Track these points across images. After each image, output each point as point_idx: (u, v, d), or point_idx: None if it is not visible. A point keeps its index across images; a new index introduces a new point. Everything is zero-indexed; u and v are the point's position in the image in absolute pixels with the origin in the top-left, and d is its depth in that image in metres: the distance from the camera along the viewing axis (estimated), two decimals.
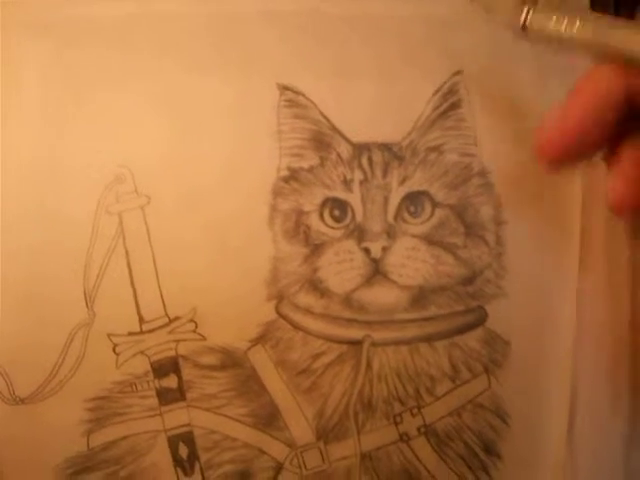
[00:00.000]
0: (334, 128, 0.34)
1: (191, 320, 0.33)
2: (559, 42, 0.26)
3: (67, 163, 0.33)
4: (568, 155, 0.26)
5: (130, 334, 0.33)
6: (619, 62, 0.25)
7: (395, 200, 0.33)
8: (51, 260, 0.33)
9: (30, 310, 0.33)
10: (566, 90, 0.27)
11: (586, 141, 0.25)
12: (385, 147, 0.34)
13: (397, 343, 0.33)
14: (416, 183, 0.33)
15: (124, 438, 0.33)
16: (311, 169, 0.34)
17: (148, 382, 0.33)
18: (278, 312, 0.33)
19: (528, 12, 0.26)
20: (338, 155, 0.34)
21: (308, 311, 0.33)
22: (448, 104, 0.34)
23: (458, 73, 0.34)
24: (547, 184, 0.34)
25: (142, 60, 0.33)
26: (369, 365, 0.33)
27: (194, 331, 0.33)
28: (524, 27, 0.26)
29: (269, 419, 0.33)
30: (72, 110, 0.33)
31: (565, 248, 0.34)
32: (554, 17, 0.26)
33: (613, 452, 0.33)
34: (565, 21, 0.25)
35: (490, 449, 0.33)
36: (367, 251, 0.33)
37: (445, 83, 0.34)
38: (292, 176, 0.33)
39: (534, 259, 0.34)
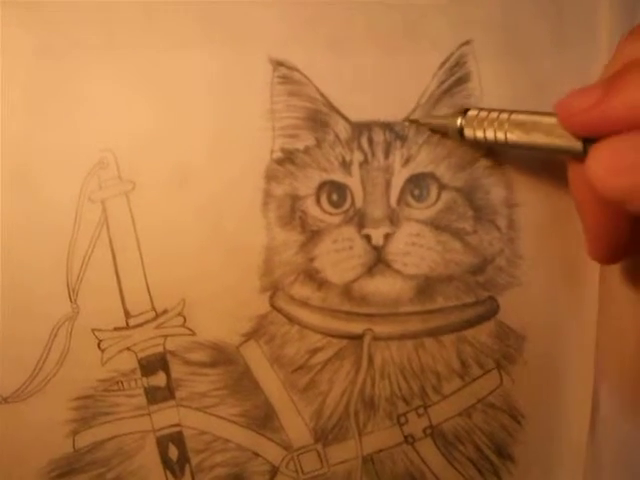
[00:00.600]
0: (331, 106, 0.31)
1: (179, 314, 0.31)
2: (496, 144, 0.28)
3: (48, 148, 0.31)
4: None
5: (116, 329, 0.31)
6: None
7: (398, 183, 0.31)
8: (32, 252, 0.31)
9: (11, 304, 0.31)
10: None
11: None
12: (387, 126, 0.31)
13: (401, 338, 0.31)
14: (421, 164, 0.31)
15: (111, 439, 0.31)
16: (307, 150, 0.31)
17: (135, 380, 0.31)
18: (272, 305, 0.31)
19: (462, 123, 0.29)
20: (336, 135, 0.31)
21: (305, 303, 0.31)
22: (455, 78, 0.31)
23: (467, 43, 0.31)
24: (562, 163, 0.31)
25: (126, 39, 0.31)
26: (371, 361, 0.31)
27: (183, 325, 0.31)
28: (462, 135, 0.30)
29: (263, 419, 0.31)
30: (53, 93, 0.31)
31: None
32: (484, 126, 0.28)
33: (638, 456, 0.30)
34: (494, 128, 0.28)
35: (502, 452, 0.31)
36: (368, 238, 0.30)
37: (452, 55, 0.31)
38: (287, 158, 0.31)
39: (551, 244, 0.31)
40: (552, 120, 0.26)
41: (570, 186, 0.27)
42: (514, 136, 0.27)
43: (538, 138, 0.27)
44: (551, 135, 0.26)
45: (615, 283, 0.30)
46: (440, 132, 0.31)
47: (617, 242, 0.27)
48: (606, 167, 0.22)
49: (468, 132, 0.29)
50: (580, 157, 0.25)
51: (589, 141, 0.24)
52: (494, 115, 0.28)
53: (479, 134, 0.29)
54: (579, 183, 0.27)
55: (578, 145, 0.25)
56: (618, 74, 0.23)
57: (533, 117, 0.27)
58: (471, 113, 0.29)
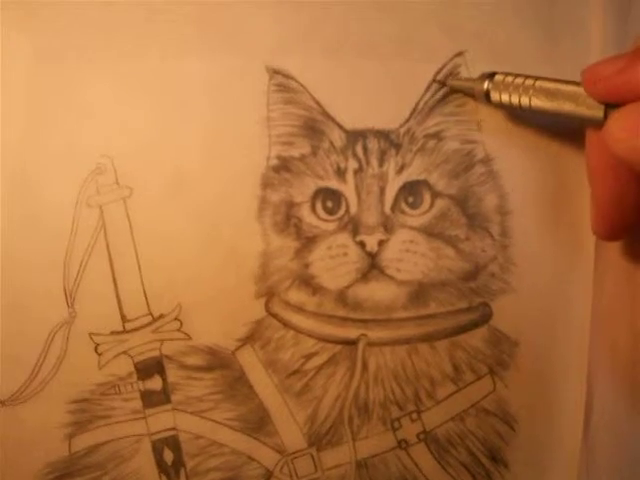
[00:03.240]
0: (327, 114, 0.32)
1: (176, 318, 0.31)
2: (520, 108, 0.29)
3: (46, 153, 0.32)
4: None
5: (112, 333, 0.31)
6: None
7: (392, 190, 0.31)
8: (30, 256, 0.31)
9: (8, 308, 0.31)
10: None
11: None
12: (381, 134, 0.32)
13: (395, 343, 0.31)
14: (414, 172, 0.31)
15: (107, 442, 0.31)
16: (302, 158, 0.32)
17: (132, 384, 0.31)
18: (268, 310, 0.31)
19: (488, 86, 0.30)
20: (331, 143, 0.32)
21: (300, 309, 0.31)
22: (449, 88, 0.32)
23: (460, 54, 0.32)
24: (556, 170, 0.31)
25: (125, 46, 0.32)
26: (365, 366, 0.31)
27: (179, 330, 0.31)
28: (488, 98, 0.30)
29: (258, 424, 0.31)
30: (52, 98, 0.32)
31: (578, 240, 0.31)
32: (510, 90, 0.29)
33: (631, 459, 0.30)
34: (519, 93, 0.29)
35: (496, 457, 0.31)
36: (362, 245, 0.31)
37: (445, 65, 0.32)
38: (282, 165, 0.32)
39: (544, 251, 0.31)
40: (575, 88, 0.27)
41: (586, 155, 0.28)
42: (538, 101, 0.28)
43: (561, 104, 0.28)
44: (574, 102, 0.27)
45: (610, 269, 0.31)
46: (467, 95, 0.31)
47: (623, 214, 0.27)
48: (623, 128, 0.24)
49: (494, 95, 0.30)
50: (600, 124, 0.26)
51: (610, 107, 0.26)
52: (520, 80, 0.29)
53: (505, 98, 0.29)
54: (595, 151, 0.28)
55: (600, 112, 0.26)
56: None
57: (557, 84, 0.28)
58: (498, 77, 0.30)
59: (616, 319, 0.31)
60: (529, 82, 0.29)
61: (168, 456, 0.31)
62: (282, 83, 0.32)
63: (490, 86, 0.30)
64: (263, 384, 0.31)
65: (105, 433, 0.31)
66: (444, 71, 0.32)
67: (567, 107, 0.28)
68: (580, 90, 0.27)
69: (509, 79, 0.29)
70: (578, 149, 0.31)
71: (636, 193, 0.27)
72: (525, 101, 0.29)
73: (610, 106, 0.26)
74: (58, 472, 0.31)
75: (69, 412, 0.31)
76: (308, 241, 0.31)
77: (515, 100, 0.29)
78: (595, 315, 0.31)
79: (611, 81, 0.25)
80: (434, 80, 0.32)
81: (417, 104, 0.32)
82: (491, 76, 0.30)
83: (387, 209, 0.31)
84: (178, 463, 0.31)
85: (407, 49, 0.32)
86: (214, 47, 0.32)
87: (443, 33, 0.32)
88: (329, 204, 0.31)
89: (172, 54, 0.32)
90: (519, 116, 0.31)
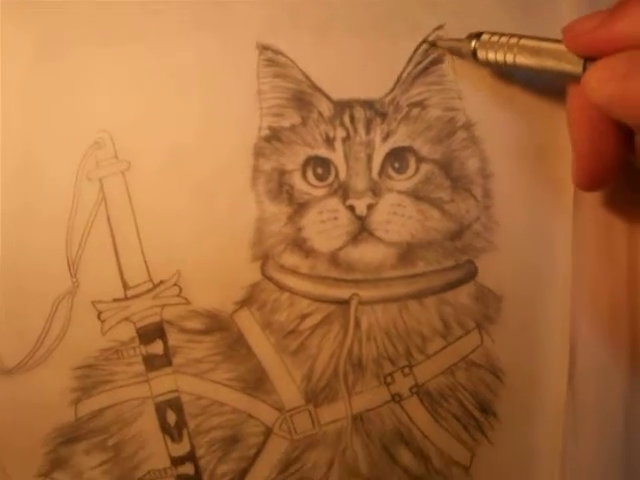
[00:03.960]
0: (315, 86, 0.33)
1: (175, 284, 0.32)
2: (505, 65, 0.31)
3: (46, 130, 0.33)
4: None
5: (115, 300, 0.32)
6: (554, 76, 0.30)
7: (379, 157, 0.33)
8: (33, 229, 0.33)
9: (13, 280, 0.33)
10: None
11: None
12: (367, 104, 0.33)
13: (386, 301, 0.32)
14: (400, 139, 0.33)
15: (111, 406, 0.32)
16: (293, 128, 0.33)
17: (134, 348, 0.32)
18: (263, 273, 0.33)
19: (475, 45, 0.32)
20: (319, 113, 0.33)
21: (294, 271, 0.33)
22: (430, 60, 0.33)
23: (440, 28, 0.34)
24: (533, 135, 0.33)
25: (120, 22, 0.33)
26: (357, 325, 0.32)
27: (178, 295, 0.32)
28: (475, 56, 0.32)
29: (257, 383, 0.32)
30: (51, 74, 0.33)
31: (557, 199, 0.33)
32: (495, 49, 0.31)
33: (614, 406, 0.32)
34: (504, 51, 0.31)
35: (485, 408, 0.32)
36: (352, 209, 0.32)
37: (428, 37, 0.33)
38: (274, 136, 0.33)
39: (525, 210, 0.33)
40: (556, 45, 0.29)
41: (567, 109, 0.30)
42: (522, 58, 0.30)
43: (543, 60, 0.30)
44: (555, 58, 0.29)
45: (589, 221, 0.32)
46: (455, 54, 0.33)
47: (603, 165, 0.29)
48: (599, 77, 0.26)
49: (481, 54, 0.32)
50: (579, 79, 0.28)
51: (589, 61, 0.28)
52: (505, 39, 0.31)
53: (490, 56, 0.31)
54: (575, 105, 0.29)
55: (579, 66, 0.28)
56: (621, 4, 0.27)
57: (540, 42, 0.30)
58: (484, 37, 0.31)
59: (596, 270, 0.32)
60: (513, 40, 0.30)
61: (171, 417, 0.32)
62: (271, 58, 0.33)
63: (477, 45, 0.31)
64: (261, 345, 0.32)
65: (109, 397, 0.32)
66: (425, 44, 0.33)
67: (549, 63, 0.29)
68: (561, 47, 0.29)
69: (495, 38, 0.31)
70: (554, 112, 0.33)
71: (614, 144, 0.28)
72: (510, 58, 0.30)
73: (589, 60, 0.28)
74: (65, 436, 0.32)
75: (74, 378, 0.32)
76: (300, 207, 0.33)
77: (500, 58, 0.31)
78: (576, 267, 0.32)
79: (590, 36, 0.27)
80: (424, 40, 0.33)
81: (401, 75, 0.33)
82: (478, 36, 0.32)
83: (375, 174, 0.33)
84: (181, 423, 0.32)
85: (390, 25, 0.34)
86: (207, 26, 0.33)
87: (424, 10, 0.34)
88: (319, 171, 0.33)
89: (167, 34, 0.33)
90: (503, 75, 0.33)
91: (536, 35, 0.30)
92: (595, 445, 0.32)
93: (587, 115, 0.28)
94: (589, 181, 0.30)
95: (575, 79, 0.29)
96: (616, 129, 0.28)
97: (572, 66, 0.29)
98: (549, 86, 0.32)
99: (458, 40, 0.33)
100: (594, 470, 0.32)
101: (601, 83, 0.26)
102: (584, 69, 0.28)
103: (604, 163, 0.29)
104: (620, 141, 0.28)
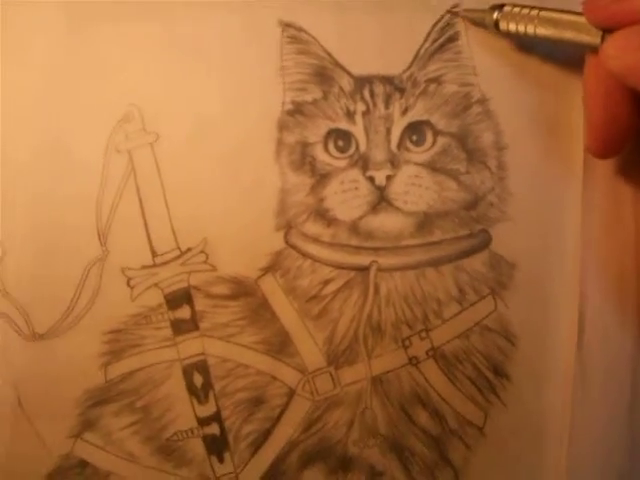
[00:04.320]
0: (336, 62, 0.35)
1: (202, 251, 0.34)
2: (525, 36, 0.33)
3: (76, 103, 0.34)
4: None
5: (143, 267, 0.34)
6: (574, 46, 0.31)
7: (397, 130, 0.34)
8: (64, 199, 0.34)
9: (45, 249, 0.34)
10: None
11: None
12: (386, 79, 0.34)
13: (404, 268, 0.34)
14: (417, 113, 0.34)
15: (140, 369, 0.33)
16: (315, 102, 0.34)
17: (162, 314, 0.34)
18: (287, 241, 0.34)
19: (497, 16, 0.33)
20: (340, 88, 0.34)
21: (316, 240, 0.34)
22: (446, 37, 0.35)
23: (455, 6, 0.35)
24: (548, 108, 0.34)
25: (149, 0, 0.34)
26: (377, 290, 0.34)
27: (205, 262, 0.34)
28: (497, 27, 0.33)
29: (281, 346, 0.33)
30: (82, 49, 0.34)
31: (569, 171, 0.34)
32: (517, 20, 0.32)
33: (622, 368, 0.33)
34: (525, 23, 0.32)
35: (498, 370, 0.34)
36: (372, 180, 0.34)
37: (443, 16, 0.35)
38: (297, 109, 0.34)
39: (538, 183, 0.34)
40: (576, 17, 0.31)
41: (584, 80, 0.31)
42: (542, 29, 0.32)
43: (563, 32, 0.31)
44: (575, 29, 0.31)
45: (598, 188, 0.34)
46: (477, 24, 0.34)
47: (616, 133, 0.31)
48: (617, 47, 0.28)
49: (502, 25, 0.33)
50: (598, 50, 0.29)
51: (607, 33, 0.29)
52: (526, 11, 0.32)
53: (512, 27, 0.33)
54: (592, 75, 0.31)
55: (598, 38, 0.30)
56: None
57: (560, 14, 0.31)
58: (506, 8, 0.33)
59: (604, 237, 0.34)
60: (534, 12, 0.32)
61: (198, 379, 0.33)
62: (294, 35, 0.35)
63: (499, 16, 0.33)
64: (284, 309, 0.34)
65: (138, 360, 0.33)
66: (442, 22, 0.35)
67: (569, 34, 0.31)
68: (580, 19, 0.30)
69: (516, 10, 0.32)
70: (566, 86, 0.34)
71: (628, 112, 0.30)
72: (530, 29, 0.32)
73: (607, 32, 0.29)
74: (95, 399, 0.33)
75: (104, 342, 0.34)
76: (322, 177, 0.34)
77: (521, 29, 0.32)
78: (585, 235, 0.34)
79: (609, 9, 0.29)
80: (448, 11, 0.35)
81: (418, 51, 0.35)
82: (500, 7, 0.33)
83: (393, 147, 0.34)
84: (207, 385, 0.33)
85: (408, 3, 0.35)
86: (231, 5, 0.35)
87: None
88: (340, 143, 0.34)
89: (193, 12, 0.35)
90: (522, 48, 0.34)
91: (556, 7, 0.31)
92: (602, 406, 0.33)
93: (603, 84, 0.30)
94: (602, 148, 0.31)
95: (593, 50, 0.30)
96: (630, 98, 0.29)
97: (591, 37, 0.30)
98: (564, 60, 0.34)
99: (482, 11, 0.34)
100: (601, 429, 0.33)
101: (618, 52, 0.28)
102: (602, 41, 0.29)
103: (617, 130, 0.30)
104: (633, 109, 0.30)
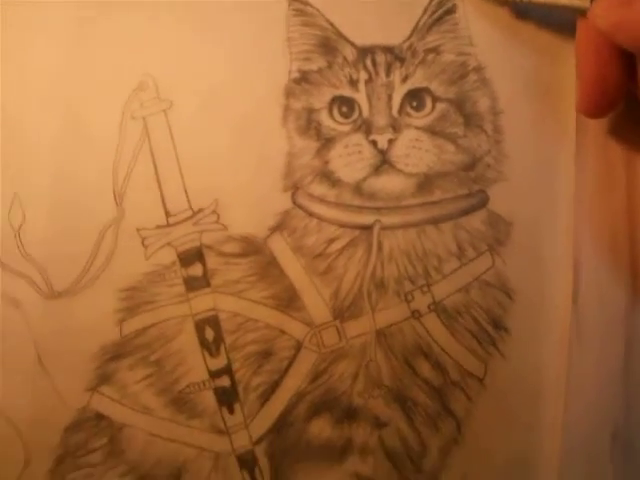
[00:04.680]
0: (339, 33, 0.36)
1: (213, 211, 0.35)
2: (521, 3, 0.35)
3: (93, 75, 0.36)
4: None
5: (157, 227, 0.35)
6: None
7: (398, 96, 0.36)
8: (82, 163, 0.35)
9: (63, 210, 0.35)
10: None
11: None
12: (387, 49, 0.36)
13: (405, 226, 0.35)
14: (417, 81, 0.36)
15: (154, 325, 0.35)
16: (320, 71, 0.36)
17: (175, 271, 0.35)
18: (294, 202, 0.35)
19: None
20: (344, 58, 0.36)
21: (322, 200, 0.36)
22: (444, 9, 0.37)
23: None
24: (541, 74, 0.36)
25: None
26: (380, 248, 0.35)
27: (217, 222, 0.35)
28: None
29: (289, 301, 0.35)
30: (95, 21, 0.36)
31: (562, 133, 0.36)
32: None
33: (615, 321, 0.35)
34: None
35: (498, 324, 0.35)
36: (374, 143, 0.35)
37: None
38: (303, 78, 0.36)
39: (532, 144, 0.36)
40: None
41: (576, 41, 0.33)
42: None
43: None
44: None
45: (590, 148, 0.36)
46: None
47: (606, 92, 0.32)
48: (604, 6, 0.30)
49: None
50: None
51: None
52: None
53: None
54: (583, 37, 0.33)
55: (587, 1, 0.32)
56: None
57: None
58: None
59: (597, 194, 0.35)
60: None
61: (209, 334, 0.35)
62: (299, 8, 0.37)
63: None
64: (292, 266, 0.35)
65: (152, 316, 0.35)
66: None
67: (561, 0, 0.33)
68: None
69: None
70: (559, 52, 0.36)
71: (617, 71, 0.32)
72: None
73: None
74: (111, 354, 0.35)
75: (119, 299, 0.35)
76: (327, 141, 0.36)
77: None
78: (578, 193, 0.35)
79: None
80: None
81: (417, 23, 0.37)
82: None
83: (395, 112, 0.36)
84: (218, 339, 0.35)
85: None
86: None
87: None
88: (344, 109, 0.36)
89: None
90: (518, 15, 0.36)
91: None
92: (598, 356, 0.35)
93: (593, 44, 0.32)
94: (593, 108, 0.33)
95: (584, 14, 0.32)
96: (619, 56, 0.31)
97: (581, 2, 0.32)
98: (558, 27, 0.36)
99: None
100: (596, 379, 0.34)
101: (605, 11, 0.30)
102: (591, 3, 0.32)
103: (607, 90, 0.32)
104: (622, 68, 0.32)
